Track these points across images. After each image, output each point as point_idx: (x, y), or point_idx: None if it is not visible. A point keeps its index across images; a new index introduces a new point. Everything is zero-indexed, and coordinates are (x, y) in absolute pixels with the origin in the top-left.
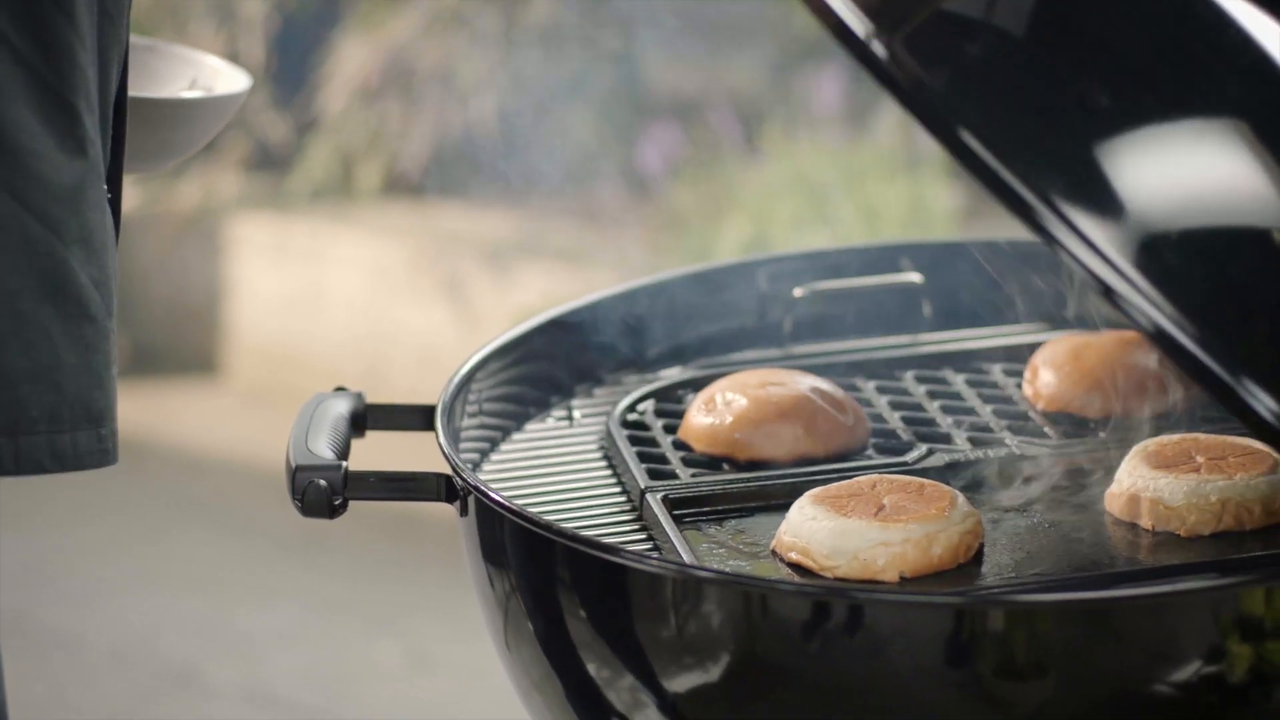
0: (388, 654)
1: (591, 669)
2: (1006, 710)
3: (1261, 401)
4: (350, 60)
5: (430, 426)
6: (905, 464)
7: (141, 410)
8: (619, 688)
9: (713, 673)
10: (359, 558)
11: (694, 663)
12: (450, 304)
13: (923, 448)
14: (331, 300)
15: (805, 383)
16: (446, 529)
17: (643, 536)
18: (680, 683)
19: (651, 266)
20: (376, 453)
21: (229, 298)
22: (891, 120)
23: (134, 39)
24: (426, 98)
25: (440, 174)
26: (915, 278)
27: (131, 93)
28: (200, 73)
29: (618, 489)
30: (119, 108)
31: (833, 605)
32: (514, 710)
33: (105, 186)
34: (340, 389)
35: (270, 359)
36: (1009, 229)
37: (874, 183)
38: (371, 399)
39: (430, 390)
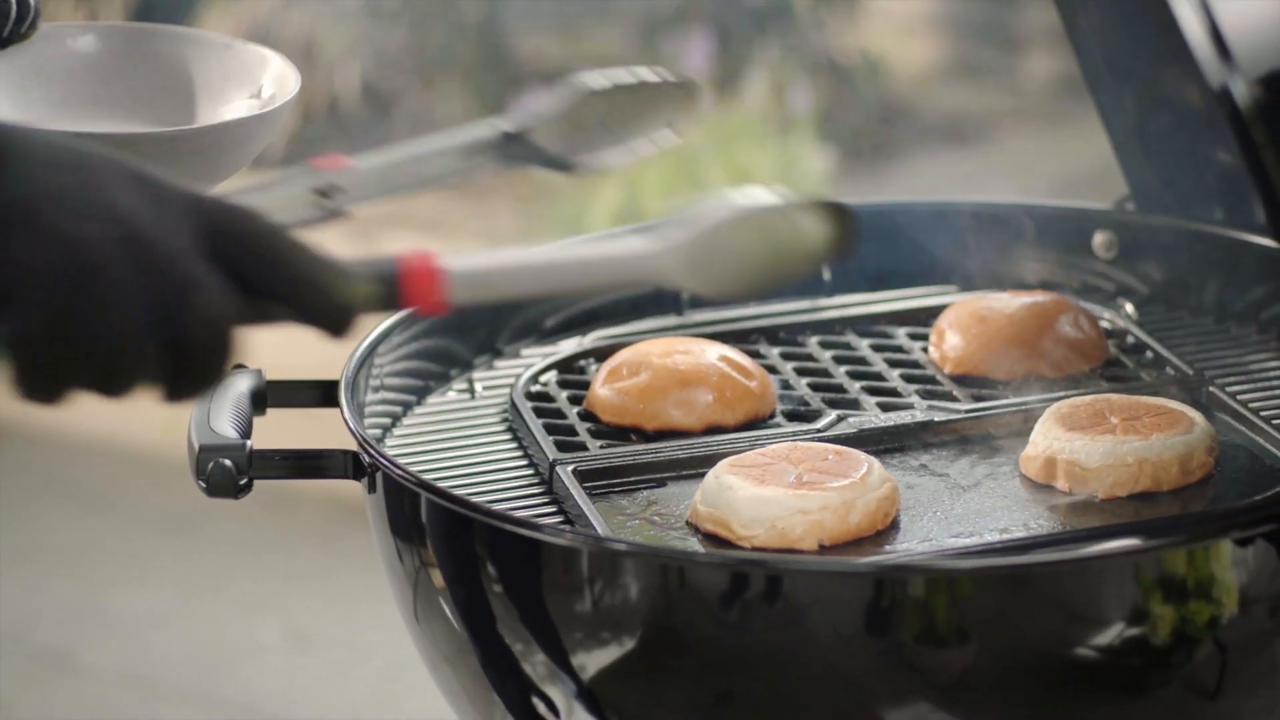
0: (266, 632)
1: (507, 643)
2: (929, 677)
3: None
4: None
5: (331, 403)
6: (817, 431)
7: (3, 391)
8: (534, 661)
9: (631, 645)
10: (231, 535)
11: (611, 636)
12: None
13: (832, 414)
14: None
15: (712, 350)
16: (319, 504)
17: (553, 510)
18: (598, 656)
19: (523, 236)
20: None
21: None
22: (760, 83)
23: (210, 35)
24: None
25: (306, 146)
26: None
27: (193, 124)
28: (267, 73)
29: (524, 462)
30: None
31: (751, 576)
32: (395, 685)
33: None
34: (238, 365)
35: None
36: (880, 189)
37: (744, 146)
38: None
39: (294, 364)
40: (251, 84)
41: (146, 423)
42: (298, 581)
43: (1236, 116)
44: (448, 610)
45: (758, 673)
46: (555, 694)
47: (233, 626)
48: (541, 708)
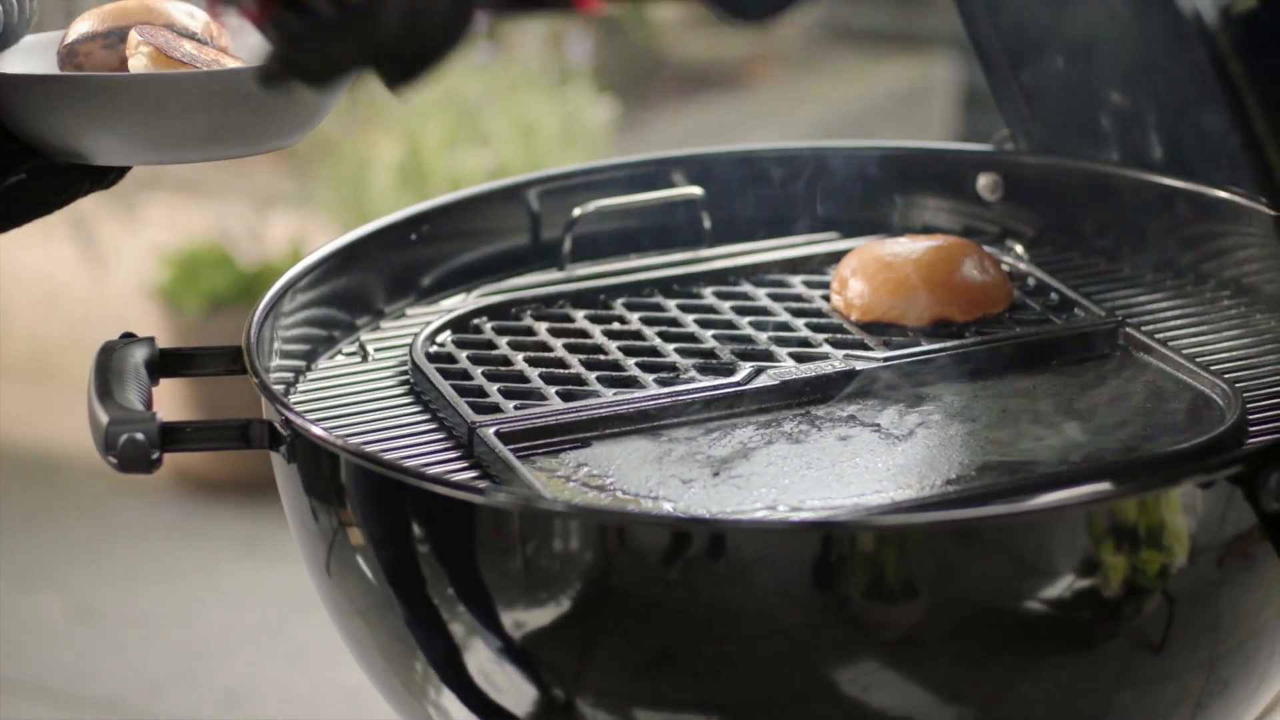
0: (48, 608)
1: (435, 605)
2: (876, 633)
3: None
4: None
5: (230, 370)
6: (736, 384)
7: None
8: (465, 622)
9: (570, 607)
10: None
11: (550, 598)
12: (73, 241)
13: (747, 367)
14: None
15: None
16: (86, 475)
17: (478, 474)
18: (534, 616)
19: (300, 194)
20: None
21: None
22: (537, 35)
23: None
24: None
25: None
26: (696, 191)
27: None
28: None
29: (434, 425)
30: None
31: (694, 534)
32: (187, 658)
33: None
34: (128, 335)
35: None
36: (658, 142)
37: (525, 98)
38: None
39: (56, 332)
40: None
41: None
42: (74, 555)
43: (1209, 41)
44: (366, 567)
45: (700, 632)
46: (486, 652)
47: (12, 603)
48: (470, 666)
